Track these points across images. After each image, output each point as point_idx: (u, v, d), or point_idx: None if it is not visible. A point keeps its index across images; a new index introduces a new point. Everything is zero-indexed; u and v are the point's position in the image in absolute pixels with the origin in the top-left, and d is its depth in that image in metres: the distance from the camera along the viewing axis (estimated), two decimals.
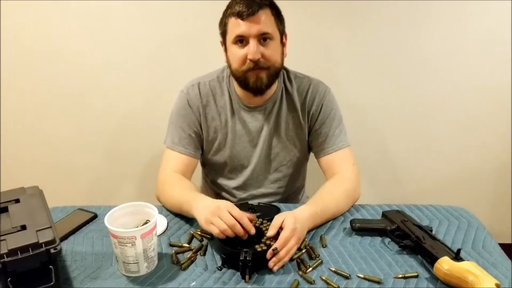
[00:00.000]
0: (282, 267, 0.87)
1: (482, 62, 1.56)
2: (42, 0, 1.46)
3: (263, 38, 1.04)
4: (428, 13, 1.49)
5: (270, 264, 0.85)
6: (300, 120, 1.19)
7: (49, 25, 1.50)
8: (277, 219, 0.91)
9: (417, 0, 1.47)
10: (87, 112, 1.64)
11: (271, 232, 0.89)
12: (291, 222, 0.88)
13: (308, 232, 0.97)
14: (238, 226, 0.87)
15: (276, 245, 0.85)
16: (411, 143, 1.72)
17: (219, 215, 0.87)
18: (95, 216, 1.07)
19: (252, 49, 1.02)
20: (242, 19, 1.01)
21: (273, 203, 1.11)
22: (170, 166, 1.16)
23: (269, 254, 0.85)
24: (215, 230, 0.87)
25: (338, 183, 1.11)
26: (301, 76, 1.21)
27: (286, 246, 0.86)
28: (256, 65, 1.04)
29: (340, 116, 1.20)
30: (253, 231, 0.88)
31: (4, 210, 0.83)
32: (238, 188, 1.26)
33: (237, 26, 1.03)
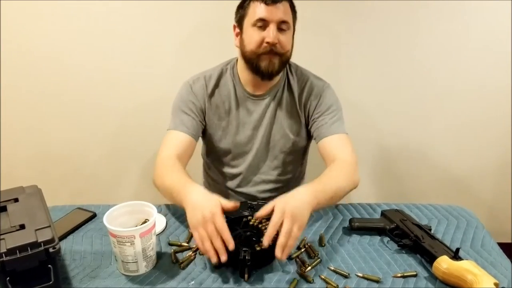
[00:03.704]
0: (277, 260, 0.87)
1: (482, 62, 1.56)
2: (42, 0, 1.46)
3: (281, 26, 1.09)
4: (429, 13, 1.49)
5: (277, 254, 0.81)
6: (298, 110, 1.22)
7: (49, 25, 1.49)
8: (269, 204, 0.89)
9: (418, 0, 1.48)
10: (87, 111, 1.64)
11: (260, 213, 0.88)
12: (279, 206, 0.85)
13: (307, 230, 0.97)
14: (218, 241, 0.83)
15: (268, 230, 0.83)
16: (411, 142, 1.72)
17: (204, 227, 0.84)
18: (94, 215, 1.07)
19: (271, 33, 1.07)
20: (266, 4, 1.07)
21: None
22: (169, 147, 1.14)
23: (265, 241, 0.83)
24: (196, 239, 0.86)
25: (336, 164, 1.09)
26: (301, 69, 1.25)
27: (284, 230, 0.82)
28: (272, 50, 1.09)
29: (339, 106, 1.22)
30: (231, 246, 0.82)
31: (3, 209, 0.83)
32: (239, 175, 1.28)
33: (260, 10, 1.07)
